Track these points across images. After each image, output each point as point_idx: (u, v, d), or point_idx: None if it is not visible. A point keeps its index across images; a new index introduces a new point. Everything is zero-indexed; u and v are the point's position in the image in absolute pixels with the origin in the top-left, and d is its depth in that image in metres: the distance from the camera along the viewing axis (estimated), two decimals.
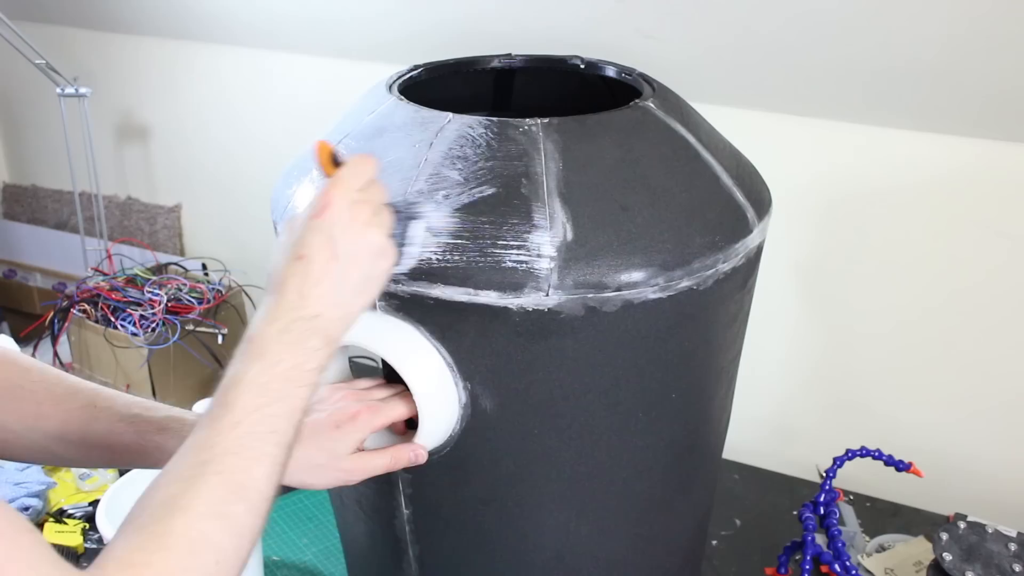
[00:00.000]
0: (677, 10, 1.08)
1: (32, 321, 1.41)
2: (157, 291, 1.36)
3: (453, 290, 0.63)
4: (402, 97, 0.76)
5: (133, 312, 1.32)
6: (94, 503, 1.13)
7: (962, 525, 0.92)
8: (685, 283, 0.66)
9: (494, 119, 0.68)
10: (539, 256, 0.63)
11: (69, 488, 1.17)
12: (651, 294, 0.64)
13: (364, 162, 0.61)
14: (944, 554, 0.89)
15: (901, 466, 1.00)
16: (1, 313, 1.82)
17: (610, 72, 0.86)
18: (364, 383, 0.71)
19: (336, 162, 0.61)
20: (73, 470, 1.19)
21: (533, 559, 0.76)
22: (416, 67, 0.86)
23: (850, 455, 1.01)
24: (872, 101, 1.10)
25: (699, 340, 0.71)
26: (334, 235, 0.57)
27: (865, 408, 1.27)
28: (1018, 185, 1.08)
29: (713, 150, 0.74)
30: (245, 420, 0.53)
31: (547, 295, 0.63)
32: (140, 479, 1.04)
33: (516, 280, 0.62)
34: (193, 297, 1.37)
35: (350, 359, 0.75)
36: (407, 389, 0.65)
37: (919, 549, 1.06)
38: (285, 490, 1.20)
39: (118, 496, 1.00)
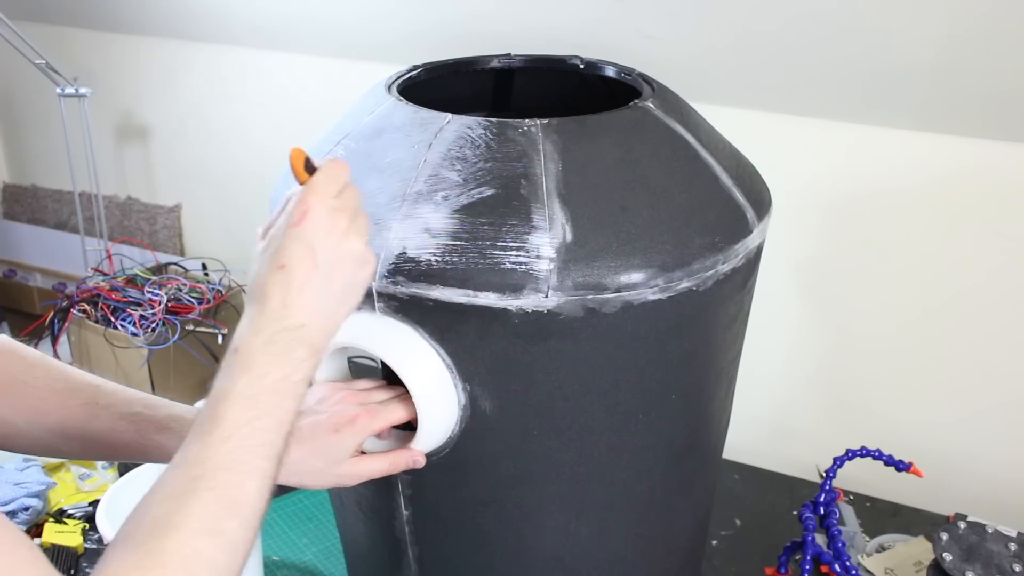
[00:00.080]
0: (677, 10, 1.08)
1: (32, 321, 1.41)
2: (157, 291, 1.36)
3: (452, 291, 0.63)
4: (401, 98, 0.76)
5: (133, 312, 1.32)
6: (94, 503, 1.13)
7: (962, 525, 0.92)
8: (685, 284, 0.65)
9: (493, 120, 0.68)
10: (538, 257, 0.63)
11: (69, 488, 1.17)
12: (651, 295, 0.64)
13: (337, 167, 0.60)
14: (944, 554, 0.89)
15: (901, 466, 1.00)
16: (1, 313, 1.82)
17: (610, 72, 0.86)
18: (364, 384, 0.71)
19: (309, 168, 0.60)
20: (73, 470, 1.19)
21: (533, 560, 0.76)
22: (415, 67, 0.86)
23: (850, 455, 1.01)
24: (872, 101, 1.10)
25: (699, 341, 0.71)
26: (314, 244, 0.57)
27: (865, 408, 1.27)
28: (1018, 185, 1.08)
29: (713, 150, 0.74)
30: (235, 434, 0.53)
31: (546, 296, 0.62)
32: (140, 479, 1.04)
33: (515, 281, 0.62)
34: (193, 297, 1.37)
35: (350, 359, 0.75)
36: (407, 391, 0.65)
37: (919, 549, 1.06)
38: (285, 490, 1.20)
39: (118, 496, 1.00)
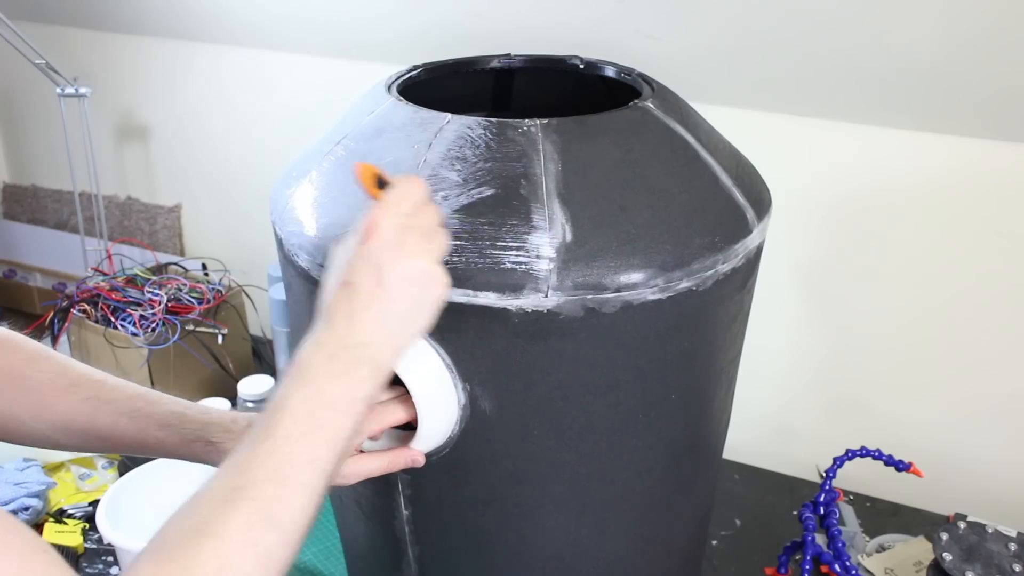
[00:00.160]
0: (677, 10, 1.08)
1: (32, 321, 1.41)
2: (157, 291, 1.36)
3: (452, 291, 0.63)
4: (401, 98, 0.76)
5: (133, 312, 1.32)
6: (94, 503, 1.13)
7: (962, 525, 0.92)
8: (684, 284, 0.66)
9: (493, 120, 0.68)
10: (538, 257, 0.63)
11: (69, 488, 1.17)
12: (650, 295, 0.64)
13: (410, 184, 0.59)
14: (944, 554, 0.89)
15: (901, 466, 1.00)
16: (1, 313, 1.82)
17: (609, 72, 0.86)
18: None
19: (383, 184, 0.59)
20: (73, 470, 1.19)
21: (533, 559, 0.76)
22: (415, 67, 0.86)
23: (850, 455, 1.01)
24: (872, 101, 1.10)
25: (699, 341, 0.71)
26: (380, 262, 0.56)
27: (865, 408, 1.27)
28: (1018, 185, 1.08)
29: (713, 150, 0.74)
30: (285, 447, 0.52)
31: (546, 296, 0.63)
32: (140, 479, 1.04)
33: (515, 281, 0.62)
34: (193, 297, 1.37)
35: None
36: (407, 391, 0.65)
37: (919, 549, 1.06)
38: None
39: (118, 496, 1.00)
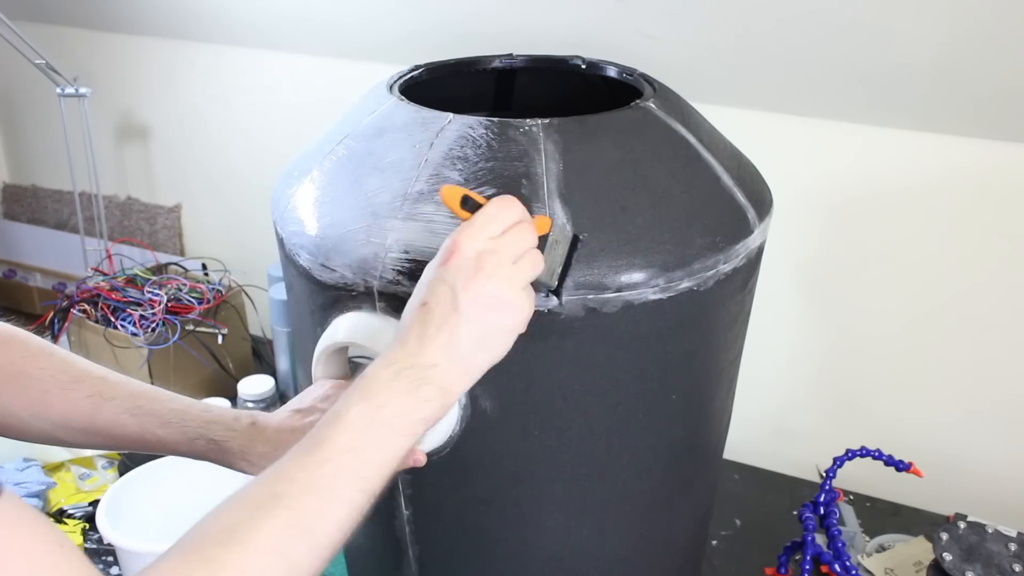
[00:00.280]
0: (678, 10, 1.08)
1: (32, 321, 1.41)
2: (157, 291, 1.36)
3: None
4: (403, 97, 0.76)
5: (133, 312, 1.32)
6: (94, 503, 1.13)
7: (962, 525, 0.92)
8: (685, 284, 0.66)
9: (494, 119, 0.68)
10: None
11: (69, 488, 1.17)
12: (651, 295, 0.64)
13: (500, 206, 0.58)
14: (944, 554, 0.89)
15: (901, 466, 1.00)
16: (1, 313, 1.82)
17: (611, 72, 0.86)
18: None
19: (471, 203, 0.59)
20: (73, 470, 1.19)
21: (533, 559, 0.76)
22: (417, 67, 0.86)
23: (850, 455, 1.01)
24: (873, 101, 1.10)
25: (699, 341, 0.71)
26: (456, 286, 0.55)
27: (865, 408, 1.27)
28: (1019, 185, 1.08)
29: (714, 150, 0.74)
30: (334, 460, 0.51)
31: (547, 296, 0.63)
32: (140, 479, 1.04)
33: None
34: (193, 297, 1.37)
35: (351, 359, 0.75)
36: None
37: (919, 549, 1.06)
38: None
39: (118, 496, 1.00)
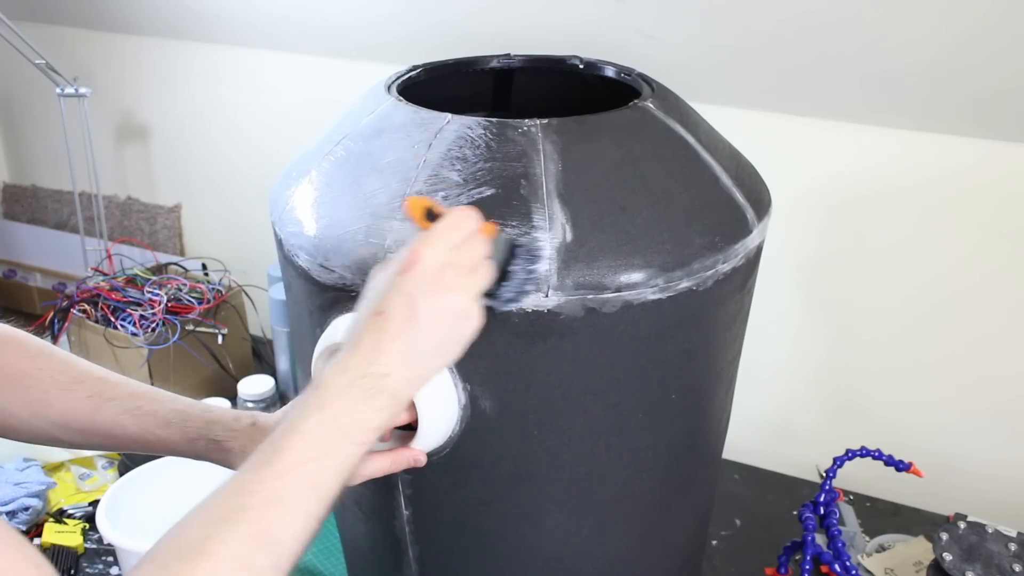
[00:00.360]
0: (677, 10, 1.08)
1: (32, 321, 1.41)
2: (157, 291, 1.36)
3: None
4: (401, 98, 0.76)
5: (133, 312, 1.32)
6: (94, 503, 1.13)
7: (962, 525, 0.92)
8: (685, 284, 0.66)
9: (493, 120, 0.68)
10: (538, 257, 0.63)
11: (69, 488, 1.17)
12: (651, 295, 0.64)
13: (461, 216, 0.59)
14: (944, 554, 0.89)
15: (901, 466, 1.00)
16: (1, 313, 1.82)
17: (609, 72, 0.86)
18: None
19: (432, 215, 0.59)
20: (73, 470, 1.19)
21: (533, 559, 0.76)
22: (415, 67, 0.86)
23: (850, 455, 1.01)
24: (873, 101, 1.10)
25: (699, 340, 0.71)
26: (416, 296, 0.56)
27: (865, 408, 1.27)
28: (1019, 185, 1.08)
29: (713, 150, 0.74)
30: (293, 471, 0.52)
31: (546, 296, 0.63)
32: (140, 479, 1.04)
33: None
34: (193, 297, 1.37)
35: None
36: None
37: (919, 549, 1.06)
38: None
39: (118, 496, 1.00)
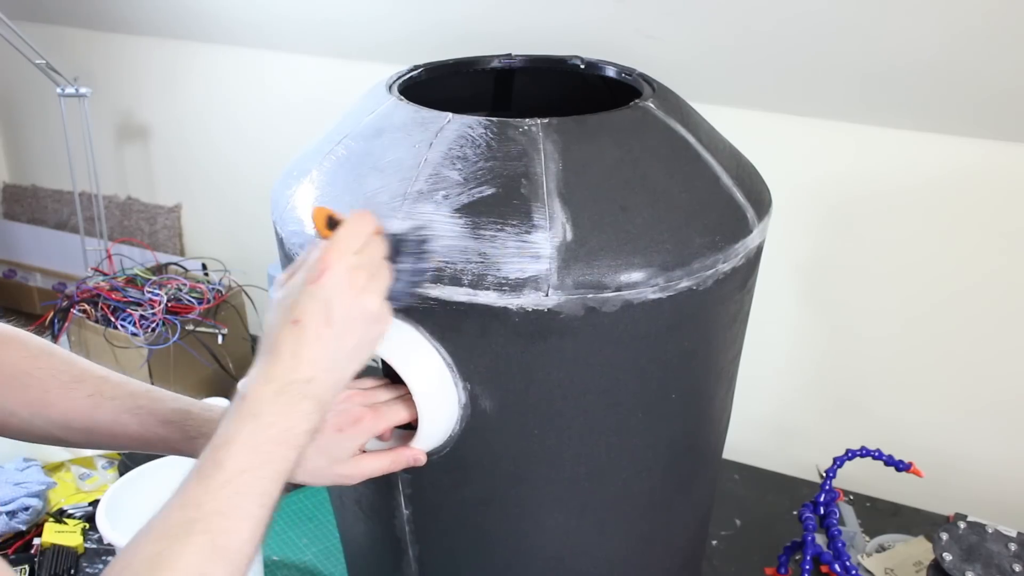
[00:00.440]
0: (677, 10, 1.08)
1: (32, 321, 1.41)
2: (157, 291, 1.36)
3: (453, 290, 0.63)
4: (402, 97, 0.76)
5: (133, 312, 1.32)
6: (94, 503, 1.13)
7: (962, 525, 0.92)
8: (685, 283, 0.66)
9: (494, 119, 0.68)
10: (538, 256, 0.63)
11: (69, 488, 1.17)
12: (651, 294, 0.64)
13: (361, 220, 0.61)
14: (944, 554, 0.89)
15: (901, 466, 1.00)
16: (1, 313, 1.82)
17: (610, 72, 0.86)
18: (368, 383, 0.71)
19: (333, 222, 0.61)
20: (73, 470, 1.19)
21: (533, 559, 0.76)
22: (416, 67, 0.86)
23: (850, 455, 1.01)
24: (873, 101, 1.10)
25: (699, 340, 0.71)
26: (330, 302, 0.58)
27: (865, 408, 1.27)
28: (1019, 185, 1.08)
29: (713, 150, 0.74)
30: (235, 480, 0.54)
31: (547, 295, 0.63)
32: (140, 479, 1.04)
33: (515, 280, 0.62)
34: (193, 297, 1.37)
35: None
36: (408, 391, 0.65)
37: (919, 549, 1.06)
38: (285, 488, 1.20)
39: (118, 496, 1.00)
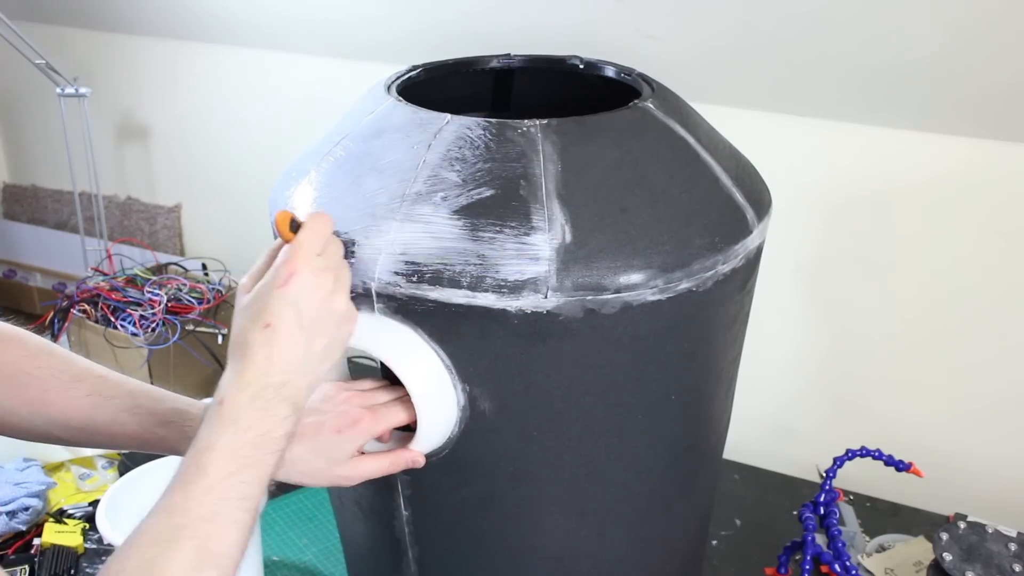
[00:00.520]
0: (677, 10, 1.08)
1: (32, 321, 1.41)
2: (157, 291, 1.36)
3: (451, 292, 0.63)
4: (400, 98, 0.76)
5: (133, 312, 1.32)
6: (94, 503, 1.13)
7: (962, 525, 0.92)
8: (684, 284, 0.65)
9: (492, 120, 0.68)
10: (537, 258, 0.63)
11: (69, 488, 1.17)
12: (650, 296, 0.64)
13: (320, 221, 0.62)
14: (944, 554, 0.89)
15: (901, 466, 1.00)
16: (1, 313, 1.82)
17: (609, 72, 0.86)
18: (367, 384, 0.71)
19: (294, 225, 0.61)
20: (73, 470, 1.19)
21: (532, 560, 0.76)
22: (415, 67, 0.86)
23: (850, 455, 1.01)
24: (873, 101, 1.10)
25: (699, 341, 0.71)
26: (300, 305, 0.58)
27: (865, 408, 1.27)
28: (1018, 185, 1.08)
29: (713, 151, 0.74)
30: (217, 486, 0.54)
31: (546, 297, 0.62)
32: (140, 479, 1.04)
33: (514, 282, 0.62)
34: (193, 297, 1.37)
35: (349, 359, 0.75)
36: (407, 393, 0.65)
37: (919, 549, 1.06)
38: (285, 490, 1.20)
39: (118, 496, 1.00)
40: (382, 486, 0.74)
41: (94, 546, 1.08)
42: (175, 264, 1.50)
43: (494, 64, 0.90)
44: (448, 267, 0.63)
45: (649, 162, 0.69)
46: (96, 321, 1.33)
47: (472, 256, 0.63)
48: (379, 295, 0.65)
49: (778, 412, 1.32)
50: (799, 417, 1.32)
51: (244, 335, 0.59)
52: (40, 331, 1.37)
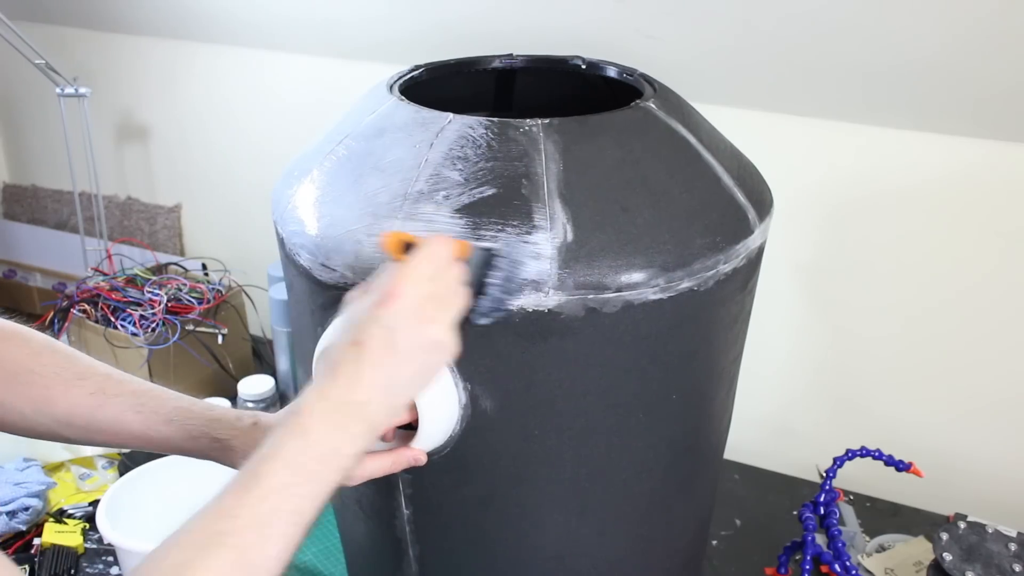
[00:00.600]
0: (678, 10, 1.08)
1: (32, 321, 1.41)
2: (157, 291, 1.36)
3: None
4: (403, 97, 0.76)
5: (133, 312, 1.32)
6: (94, 503, 1.13)
7: (962, 525, 0.92)
8: (686, 284, 0.66)
9: (494, 119, 0.68)
10: (539, 257, 0.63)
11: (69, 488, 1.17)
12: (651, 295, 0.64)
13: (440, 245, 0.59)
14: (944, 554, 0.89)
15: (901, 466, 1.00)
16: (1, 313, 1.82)
17: (611, 72, 0.86)
18: None
19: (409, 246, 0.59)
20: (73, 470, 1.19)
21: (533, 559, 0.76)
22: (417, 67, 0.86)
23: (850, 455, 1.02)
24: (873, 101, 1.10)
25: (700, 341, 0.71)
26: (395, 329, 0.57)
27: (865, 408, 1.27)
28: (1018, 185, 1.08)
29: (714, 150, 0.74)
30: (272, 496, 0.53)
31: (547, 296, 0.63)
32: (140, 479, 1.04)
33: None
34: (193, 297, 1.37)
35: None
36: None
37: (919, 549, 1.06)
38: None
39: (118, 496, 1.00)
40: (383, 485, 0.74)
41: (94, 546, 1.08)
42: (175, 264, 1.50)
43: (496, 64, 0.90)
44: None
45: (651, 162, 0.69)
46: (96, 321, 1.33)
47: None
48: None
49: (778, 412, 1.32)
50: (799, 417, 1.32)
51: (336, 350, 0.58)
52: (40, 331, 1.37)
